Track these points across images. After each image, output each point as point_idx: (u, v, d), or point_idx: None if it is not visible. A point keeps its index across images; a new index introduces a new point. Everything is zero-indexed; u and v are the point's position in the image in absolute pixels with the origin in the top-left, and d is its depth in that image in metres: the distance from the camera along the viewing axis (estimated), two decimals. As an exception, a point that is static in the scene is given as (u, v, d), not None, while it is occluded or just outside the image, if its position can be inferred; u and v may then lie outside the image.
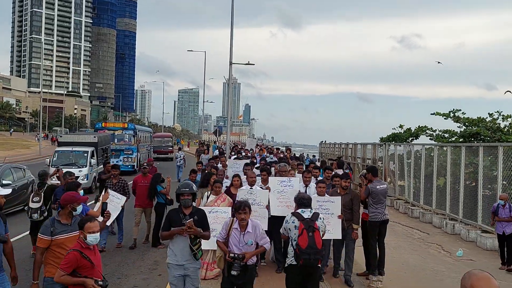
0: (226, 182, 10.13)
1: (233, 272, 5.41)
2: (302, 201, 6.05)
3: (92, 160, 20.59)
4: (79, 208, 5.50)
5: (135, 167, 28.62)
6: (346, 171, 13.74)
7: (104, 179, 11.82)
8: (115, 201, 10.06)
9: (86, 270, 4.69)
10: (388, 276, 8.62)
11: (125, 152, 29.13)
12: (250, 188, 8.63)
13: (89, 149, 20.78)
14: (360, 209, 8.47)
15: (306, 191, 8.61)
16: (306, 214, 5.84)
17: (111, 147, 27.49)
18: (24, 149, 54.75)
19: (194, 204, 5.96)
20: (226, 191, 8.96)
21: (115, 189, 10.64)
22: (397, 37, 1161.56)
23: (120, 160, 27.90)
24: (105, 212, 6.05)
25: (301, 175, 9.76)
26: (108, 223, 9.18)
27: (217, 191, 8.55)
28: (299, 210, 5.95)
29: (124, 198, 10.48)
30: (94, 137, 22.99)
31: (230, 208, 7.80)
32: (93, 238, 4.78)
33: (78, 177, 18.80)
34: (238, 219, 5.58)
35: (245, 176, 9.58)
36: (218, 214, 7.74)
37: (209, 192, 8.82)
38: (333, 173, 10.41)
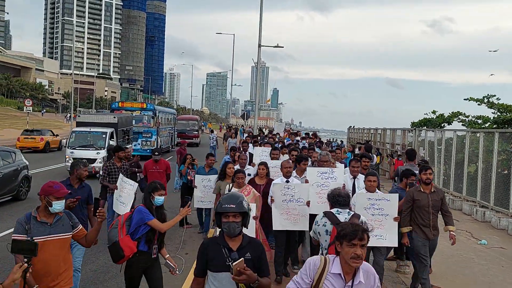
0: (249, 169, 9.16)
1: None
2: (337, 198, 4.90)
3: (111, 141, 18.87)
4: (57, 205, 4.21)
5: None
6: (374, 155, 13.60)
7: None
8: (128, 188, 8.80)
9: None
10: (416, 261, 8.52)
11: (143, 135, 27.09)
12: (286, 181, 7.26)
13: (108, 130, 19.34)
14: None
15: (354, 185, 7.43)
16: (343, 216, 4.73)
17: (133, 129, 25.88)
18: (56, 129, 55.86)
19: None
20: (249, 181, 7.73)
21: (118, 174, 9.20)
22: (428, 21, 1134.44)
23: (138, 144, 26.32)
24: (98, 211, 4.56)
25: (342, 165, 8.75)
26: (123, 212, 8.97)
27: (240, 183, 7.16)
28: (333, 210, 4.84)
29: (136, 184, 8.87)
30: (114, 117, 21.26)
31: (255, 204, 6.71)
32: None
33: (95, 160, 17.89)
34: (344, 256, 3.15)
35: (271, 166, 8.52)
36: None
37: (230, 185, 7.41)
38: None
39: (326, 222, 4.70)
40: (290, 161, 8.10)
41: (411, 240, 6.64)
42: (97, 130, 19.51)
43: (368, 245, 5.02)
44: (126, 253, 5.00)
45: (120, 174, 8.95)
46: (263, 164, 7.95)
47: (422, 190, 6.59)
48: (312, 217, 6.71)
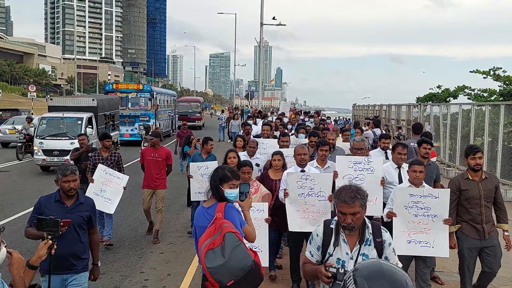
0: (258, 158, 7.74)
1: None
2: None
3: (88, 129, 16.09)
4: None
5: None
6: (382, 130, 13.55)
7: (75, 159, 8.90)
8: (115, 182, 7.83)
9: None
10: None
11: (140, 119, 25.17)
12: (302, 171, 5.99)
13: (85, 116, 16.41)
14: None
15: (400, 175, 6.10)
16: None
17: (123, 113, 24.15)
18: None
19: None
20: (262, 175, 6.47)
21: (106, 165, 8.08)
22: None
23: (136, 128, 24.86)
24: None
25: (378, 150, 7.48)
26: (111, 210, 7.73)
27: (246, 178, 5.74)
28: None
29: (126, 177, 8.02)
30: (93, 100, 18.30)
31: (266, 204, 5.57)
32: None
33: (69, 151, 13.65)
34: None
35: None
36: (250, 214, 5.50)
37: None
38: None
39: None
40: (305, 147, 6.51)
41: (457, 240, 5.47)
42: (71, 115, 16.55)
43: (412, 253, 4.65)
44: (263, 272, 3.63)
45: (100, 165, 7.85)
46: (279, 154, 6.48)
47: (470, 177, 5.34)
48: None
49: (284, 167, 6.38)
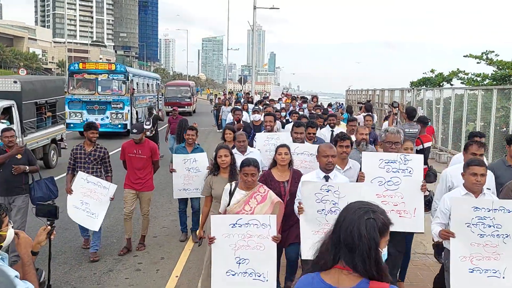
0: (252, 153, 6.33)
1: None
2: None
3: (1, 123, 10.74)
4: None
5: (128, 127, 20.29)
6: (375, 115, 13.52)
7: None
8: (99, 192, 6.48)
9: None
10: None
11: (112, 106, 21.07)
12: (326, 177, 4.50)
13: None
14: None
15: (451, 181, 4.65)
16: None
17: (91, 99, 20.80)
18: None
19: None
20: (262, 177, 5.01)
21: (88, 162, 6.72)
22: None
23: (107, 117, 20.90)
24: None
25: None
26: (96, 227, 6.53)
27: (249, 183, 4.47)
28: None
29: (114, 186, 6.61)
30: (15, 82, 12.36)
31: (275, 216, 4.17)
32: None
33: None
34: None
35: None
36: (252, 230, 4.09)
37: (233, 185, 4.64)
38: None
39: None
40: (332, 145, 4.97)
41: None
42: None
43: (480, 286, 3.63)
44: None
45: (80, 173, 6.56)
46: (285, 146, 5.05)
47: None
48: None
49: (290, 164, 5.05)
